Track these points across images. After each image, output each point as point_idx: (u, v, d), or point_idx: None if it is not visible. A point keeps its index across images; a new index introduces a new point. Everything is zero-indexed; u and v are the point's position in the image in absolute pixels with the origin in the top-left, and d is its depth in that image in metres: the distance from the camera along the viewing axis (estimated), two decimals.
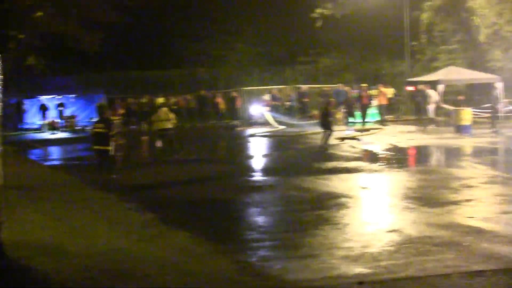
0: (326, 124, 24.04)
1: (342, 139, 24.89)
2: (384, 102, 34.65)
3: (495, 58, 35.20)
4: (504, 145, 22.95)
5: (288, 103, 40.00)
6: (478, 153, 21.09)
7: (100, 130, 17.01)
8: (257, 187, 15.41)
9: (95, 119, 22.85)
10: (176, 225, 11.06)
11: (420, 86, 29.87)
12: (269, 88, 40.85)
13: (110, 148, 16.89)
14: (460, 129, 26.68)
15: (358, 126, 29.56)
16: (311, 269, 8.17)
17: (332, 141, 24.27)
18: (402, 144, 23.73)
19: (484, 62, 35.75)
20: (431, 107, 30.06)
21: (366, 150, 22.31)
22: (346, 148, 22.90)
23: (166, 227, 11.03)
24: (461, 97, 34.65)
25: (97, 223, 11.46)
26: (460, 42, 38.57)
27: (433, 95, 29.99)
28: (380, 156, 20.94)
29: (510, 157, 20.38)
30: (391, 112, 38.26)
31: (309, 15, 42.35)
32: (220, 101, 41.35)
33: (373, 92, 35.99)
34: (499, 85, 29.70)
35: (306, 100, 40.73)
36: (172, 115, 23.53)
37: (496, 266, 7.84)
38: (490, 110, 27.99)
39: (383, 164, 18.54)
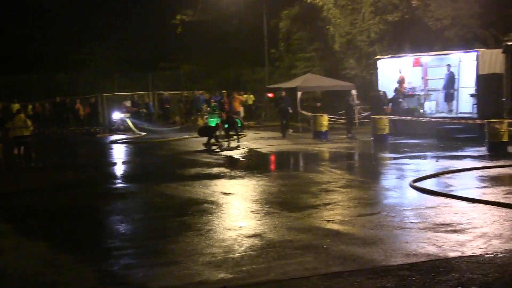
0: (206, 132, 24.62)
1: (204, 145, 25.00)
2: (238, 109, 35.03)
3: (350, 66, 36.61)
4: (359, 150, 23.93)
5: (144, 110, 39.59)
6: (335, 158, 21.86)
7: None
8: (119, 194, 15.20)
9: None
10: (35, 235, 10.74)
11: (283, 93, 30.54)
12: (130, 94, 40.40)
13: None
14: (318, 135, 27.59)
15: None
16: (174, 275, 8.16)
17: (194, 147, 24.42)
18: (263, 150, 24.21)
19: (339, 70, 37.10)
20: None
21: (227, 156, 22.51)
22: (208, 155, 23.04)
23: (24, 237, 10.68)
24: (318, 104, 35.84)
25: None
26: (317, 50, 39.81)
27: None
28: (242, 162, 21.22)
29: (365, 162, 21.25)
30: (253, 118, 38.94)
31: (170, 21, 42.40)
32: (80, 107, 40.42)
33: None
34: (354, 92, 30.98)
35: (167, 106, 40.71)
36: (29, 122, 22.85)
37: (352, 267, 8.14)
38: (345, 117, 29.06)
39: (245, 169, 18.78)
